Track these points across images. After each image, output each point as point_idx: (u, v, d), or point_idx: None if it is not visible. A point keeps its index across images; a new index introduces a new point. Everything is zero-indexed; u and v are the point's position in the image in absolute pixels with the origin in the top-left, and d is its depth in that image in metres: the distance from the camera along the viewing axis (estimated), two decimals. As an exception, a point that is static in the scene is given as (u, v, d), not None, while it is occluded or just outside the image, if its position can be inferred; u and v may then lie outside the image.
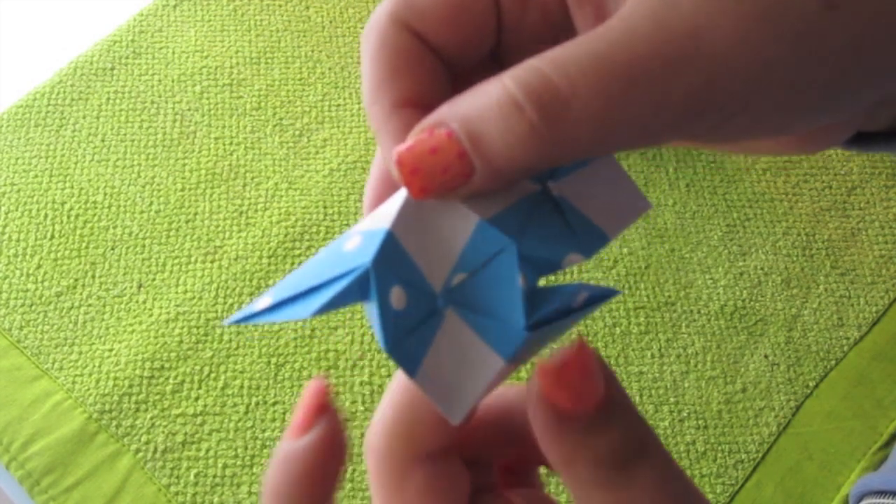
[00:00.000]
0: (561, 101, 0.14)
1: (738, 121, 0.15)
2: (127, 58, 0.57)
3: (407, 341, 0.17)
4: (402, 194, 0.18)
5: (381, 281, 0.16)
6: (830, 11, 0.14)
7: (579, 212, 0.18)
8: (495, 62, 0.21)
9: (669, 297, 0.49)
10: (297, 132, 0.55)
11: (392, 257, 0.17)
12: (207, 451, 0.44)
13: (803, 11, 0.14)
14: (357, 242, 0.17)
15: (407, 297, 0.17)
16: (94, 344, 0.47)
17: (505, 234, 0.17)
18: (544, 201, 0.18)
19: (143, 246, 0.50)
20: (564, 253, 0.18)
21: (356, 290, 0.17)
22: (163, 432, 0.44)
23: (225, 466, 0.44)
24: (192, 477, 0.43)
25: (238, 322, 0.17)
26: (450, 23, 0.19)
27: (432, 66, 0.19)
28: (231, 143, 0.54)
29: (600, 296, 0.18)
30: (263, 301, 0.17)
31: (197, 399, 0.45)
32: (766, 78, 0.14)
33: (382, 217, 0.18)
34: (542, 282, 0.18)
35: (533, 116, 0.15)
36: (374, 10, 0.19)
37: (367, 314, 0.17)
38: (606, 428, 0.17)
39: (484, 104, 0.15)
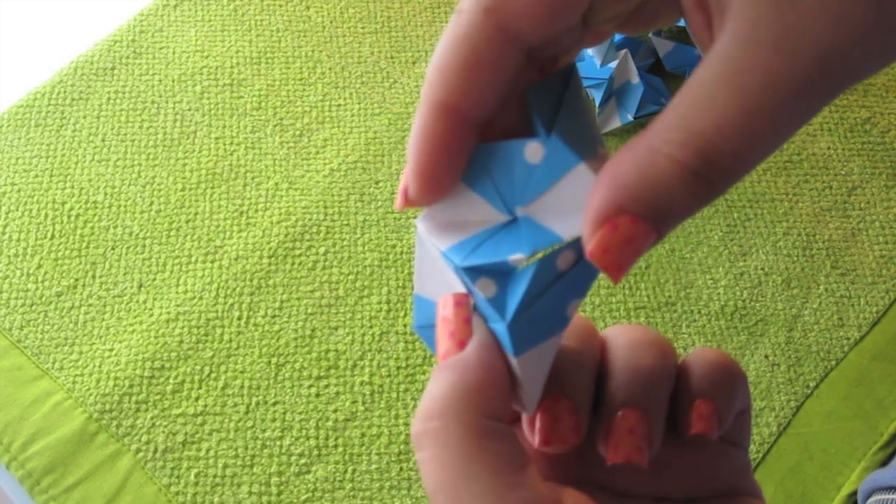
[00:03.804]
0: (727, 156, 0.17)
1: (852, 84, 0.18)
2: (127, 58, 0.57)
3: None
4: (417, 251, 0.21)
5: (424, 335, 0.22)
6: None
7: (534, 221, 0.20)
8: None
9: (670, 297, 0.49)
10: (298, 132, 0.55)
11: (423, 310, 0.22)
12: (208, 450, 0.44)
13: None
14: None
15: None
16: (94, 344, 0.47)
17: (454, 259, 0.20)
18: (509, 223, 0.20)
19: (144, 246, 0.50)
20: (506, 255, 0.19)
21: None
22: (163, 432, 0.44)
23: (225, 466, 0.44)
24: (192, 477, 0.43)
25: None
26: (542, 18, 0.19)
27: (503, 68, 0.19)
28: (231, 143, 0.54)
29: (579, 255, 0.20)
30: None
31: (197, 399, 0.45)
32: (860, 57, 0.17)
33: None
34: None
35: (712, 176, 0.17)
36: None
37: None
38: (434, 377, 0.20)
39: (661, 180, 0.17)
